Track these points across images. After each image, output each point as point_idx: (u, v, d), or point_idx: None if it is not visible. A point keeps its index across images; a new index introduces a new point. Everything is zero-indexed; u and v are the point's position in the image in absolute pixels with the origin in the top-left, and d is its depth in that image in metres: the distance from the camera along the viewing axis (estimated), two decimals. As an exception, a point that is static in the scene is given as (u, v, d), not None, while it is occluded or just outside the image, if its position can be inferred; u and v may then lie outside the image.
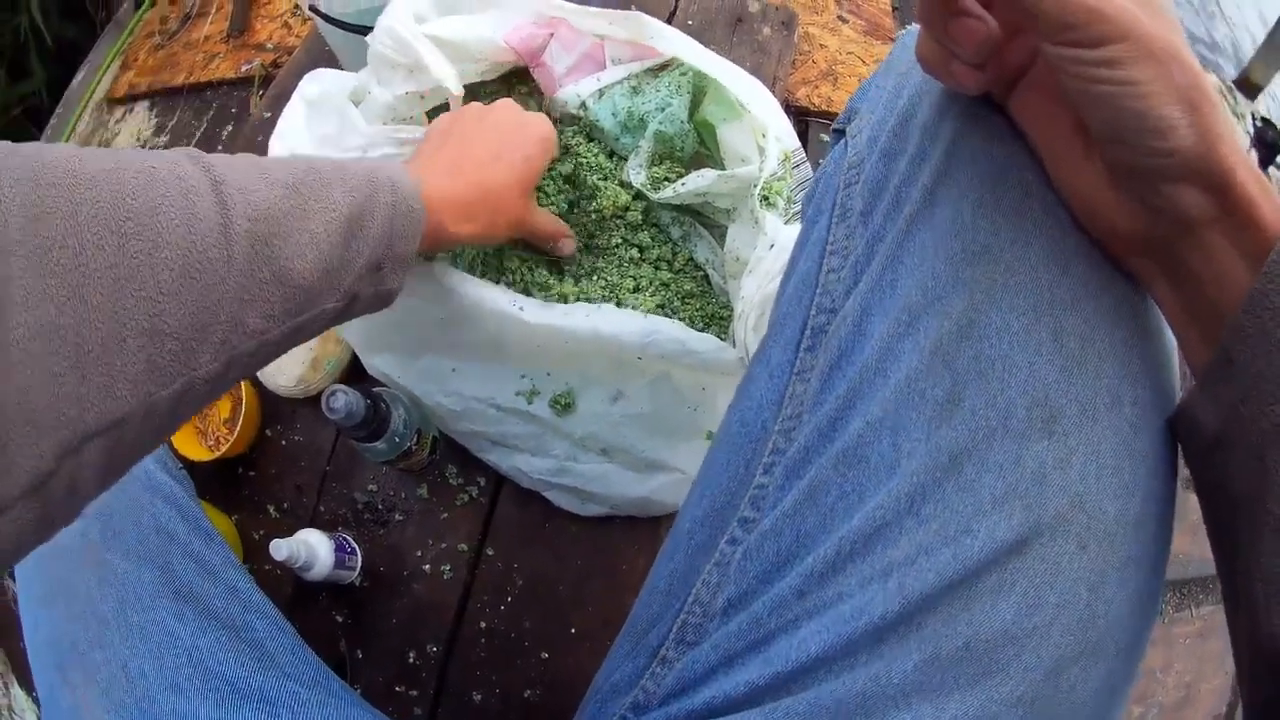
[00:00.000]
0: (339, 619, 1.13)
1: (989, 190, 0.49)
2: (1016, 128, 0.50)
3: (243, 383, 1.17)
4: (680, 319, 0.94)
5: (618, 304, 0.95)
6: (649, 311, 0.91)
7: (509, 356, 0.95)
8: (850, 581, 0.49)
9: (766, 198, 0.88)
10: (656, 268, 0.99)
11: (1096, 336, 0.47)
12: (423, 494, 1.17)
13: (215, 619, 0.77)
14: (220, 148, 1.56)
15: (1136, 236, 0.46)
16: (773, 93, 1.11)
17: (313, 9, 1.12)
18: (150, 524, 0.79)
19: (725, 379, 0.89)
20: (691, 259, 1.01)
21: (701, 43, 0.96)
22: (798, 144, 0.92)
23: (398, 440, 0.99)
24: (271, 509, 1.20)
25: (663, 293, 0.97)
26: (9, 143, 0.50)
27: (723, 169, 0.94)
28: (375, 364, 1.03)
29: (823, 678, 0.49)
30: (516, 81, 1.04)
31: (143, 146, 1.65)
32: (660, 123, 0.95)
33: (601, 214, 0.96)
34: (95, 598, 0.74)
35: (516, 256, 0.98)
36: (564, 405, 0.97)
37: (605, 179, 0.97)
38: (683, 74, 0.96)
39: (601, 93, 0.97)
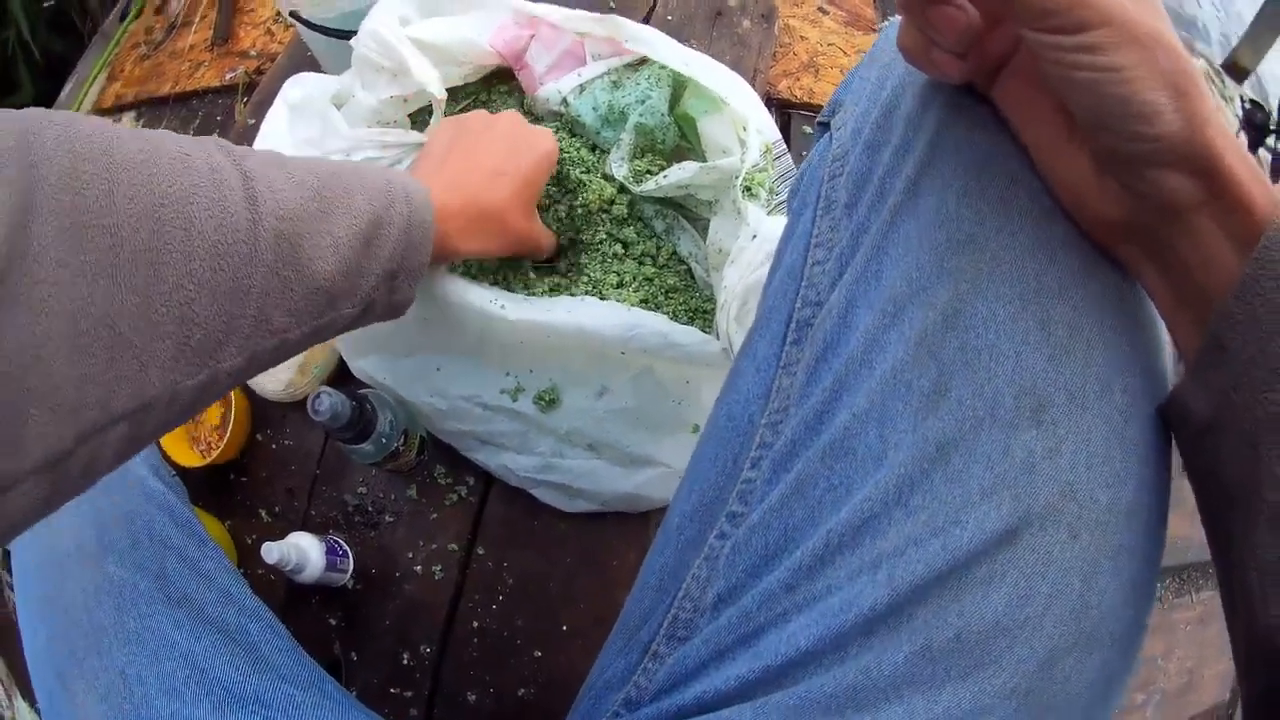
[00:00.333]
0: (332, 622, 1.13)
1: (974, 179, 0.49)
2: (1000, 117, 0.50)
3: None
4: (664, 314, 0.94)
5: (601, 300, 0.94)
6: (632, 306, 0.91)
7: (492, 354, 0.95)
8: (839, 574, 0.49)
9: (749, 188, 0.88)
10: (640, 263, 0.99)
11: (1085, 324, 0.47)
12: (412, 495, 1.16)
13: (210, 624, 0.77)
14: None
15: (1123, 223, 0.46)
16: (754, 86, 1.11)
17: (294, 15, 1.11)
18: (145, 531, 0.80)
19: (709, 372, 0.89)
20: (675, 253, 1.00)
21: (681, 38, 0.97)
22: (778, 136, 0.92)
23: (385, 441, 0.99)
24: (263, 513, 1.20)
25: (646, 288, 0.97)
26: (43, 109, 0.51)
27: (704, 161, 0.93)
28: (361, 366, 1.03)
29: (813, 671, 0.49)
30: (496, 81, 1.04)
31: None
32: (641, 115, 0.94)
33: (587, 208, 0.96)
34: (92, 605, 0.74)
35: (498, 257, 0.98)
36: (549, 401, 0.97)
37: (588, 173, 0.97)
38: (662, 67, 0.96)
39: (582, 88, 0.97)
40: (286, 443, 1.22)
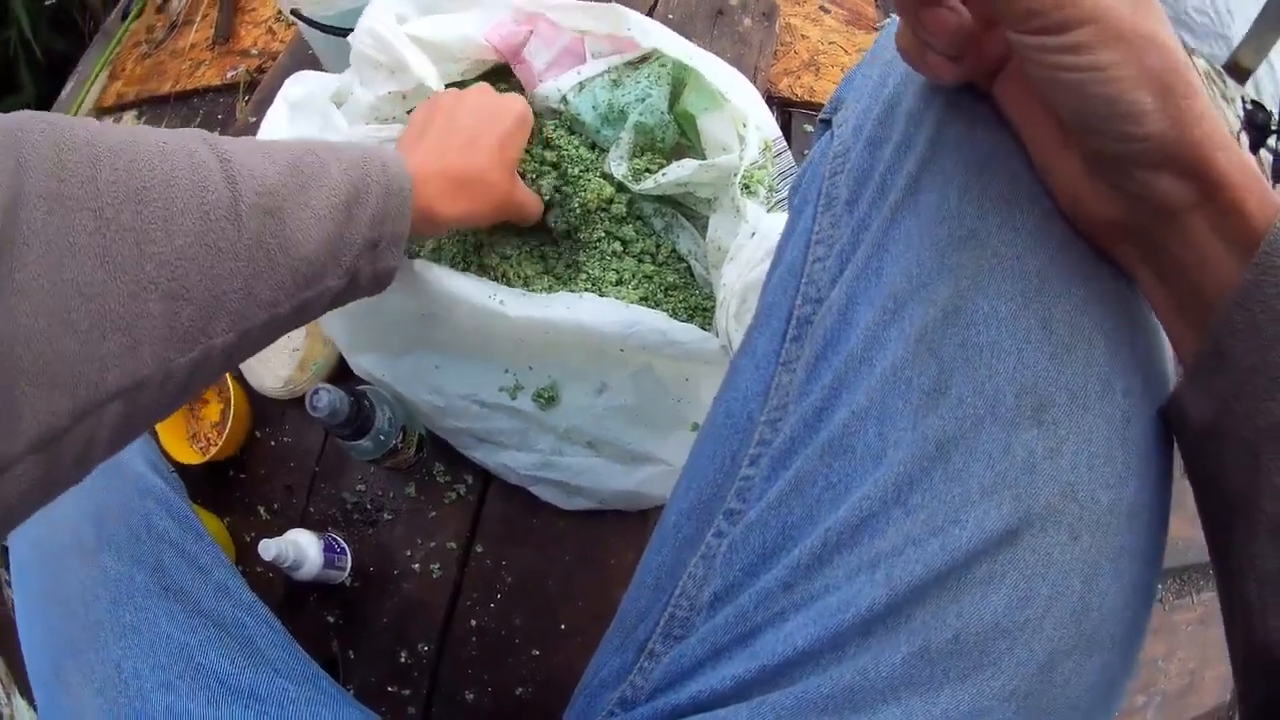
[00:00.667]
0: (330, 619, 1.13)
1: (975, 176, 0.49)
2: (1002, 115, 0.49)
3: (231, 385, 1.17)
4: (664, 311, 0.93)
5: (600, 297, 0.94)
6: (631, 304, 0.91)
7: (491, 351, 0.95)
8: (837, 573, 0.49)
9: (748, 186, 0.88)
10: (640, 261, 0.99)
11: (1087, 323, 0.46)
12: (411, 493, 1.16)
13: (206, 617, 0.78)
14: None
15: (1118, 225, 0.45)
16: (754, 84, 1.10)
17: (294, 13, 1.11)
18: (142, 525, 0.81)
19: (708, 369, 0.89)
20: (674, 251, 1.00)
21: (682, 35, 0.96)
22: (778, 133, 0.92)
23: (383, 438, 0.99)
24: (262, 510, 1.20)
25: (646, 285, 0.97)
26: (30, 111, 0.53)
27: (704, 159, 0.93)
28: (360, 362, 1.03)
29: (810, 671, 0.49)
30: (496, 79, 1.04)
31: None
32: (640, 114, 0.94)
33: (586, 207, 0.96)
34: (89, 599, 0.75)
35: (497, 253, 0.98)
36: (548, 399, 0.97)
37: (587, 171, 0.96)
38: (662, 65, 0.95)
39: (581, 86, 0.97)
40: (285, 440, 1.23)
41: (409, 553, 1.14)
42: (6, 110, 0.52)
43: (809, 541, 0.50)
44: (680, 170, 0.91)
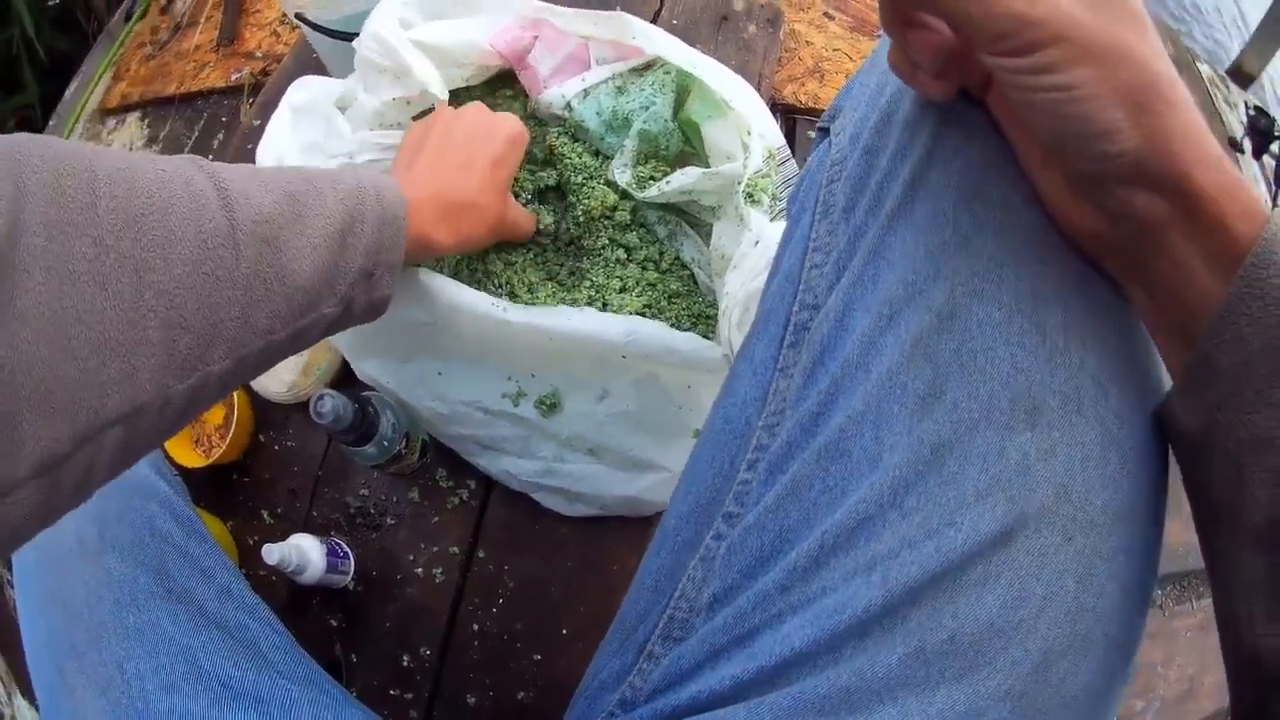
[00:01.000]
0: (333, 623, 1.13)
1: (970, 184, 0.49)
2: (997, 125, 0.50)
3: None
4: (667, 319, 0.94)
5: (604, 305, 0.95)
6: (635, 312, 0.91)
7: (494, 359, 0.95)
8: (833, 575, 0.49)
9: (751, 194, 0.88)
10: (643, 268, 0.99)
11: (1080, 328, 0.47)
12: (414, 498, 1.17)
13: (209, 619, 0.78)
14: (211, 156, 1.56)
15: (1102, 240, 0.46)
16: (759, 91, 1.11)
17: (299, 16, 1.12)
18: (146, 527, 0.81)
19: (710, 377, 0.89)
20: (678, 258, 1.00)
21: (686, 42, 0.96)
22: (782, 141, 0.92)
23: (386, 444, 0.99)
24: (265, 514, 1.20)
25: (649, 293, 0.97)
26: (27, 134, 0.53)
27: (708, 167, 0.93)
28: (364, 369, 1.03)
29: (807, 672, 0.49)
30: (500, 85, 1.04)
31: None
32: (645, 121, 0.94)
33: (589, 215, 0.96)
34: (92, 600, 0.75)
35: (500, 260, 0.98)
36: (550, 406, 0.97)
37: (591, 178, 0.97)
38: (666, 73, 0.96)
39: (586, 93, 0.97)
40: (289, 444, 1.23)
41: (412, 557, 1.14)
42: (10, 109, 0.52)
43: (806, 544, 0.51)
44: (684, 178, 0.91)
